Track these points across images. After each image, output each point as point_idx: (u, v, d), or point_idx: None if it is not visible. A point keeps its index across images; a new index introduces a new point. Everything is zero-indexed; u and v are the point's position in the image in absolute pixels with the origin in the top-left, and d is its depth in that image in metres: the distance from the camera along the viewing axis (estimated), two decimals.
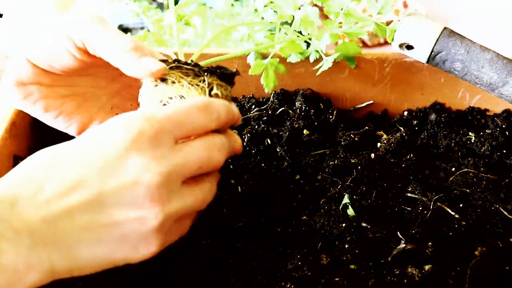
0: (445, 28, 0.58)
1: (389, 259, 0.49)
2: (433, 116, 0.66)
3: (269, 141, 0.63)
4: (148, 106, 0.44)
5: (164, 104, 0.43)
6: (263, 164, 0.62)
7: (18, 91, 0.48)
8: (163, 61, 0.44)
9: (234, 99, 0.68)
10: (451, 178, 0.57)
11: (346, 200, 0.53)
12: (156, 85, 0.43)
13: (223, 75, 0.44)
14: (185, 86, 0.43)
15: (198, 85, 0.43)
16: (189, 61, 0.45)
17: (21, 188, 0.34)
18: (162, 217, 0.36)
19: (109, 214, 0.35)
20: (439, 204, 0.52)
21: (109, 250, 0.35)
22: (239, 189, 0.58)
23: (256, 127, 0.65)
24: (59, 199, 0.34)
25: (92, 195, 0.34)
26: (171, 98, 0.43)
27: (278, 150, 0.62)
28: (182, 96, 0.42)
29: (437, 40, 0.58)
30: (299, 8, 0.63)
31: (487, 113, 0.67)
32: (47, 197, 0.34)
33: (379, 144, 0.62)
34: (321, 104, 0.67)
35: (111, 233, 0.35)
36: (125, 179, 0.35)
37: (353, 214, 0.52)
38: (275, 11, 0.90)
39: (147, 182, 0.35)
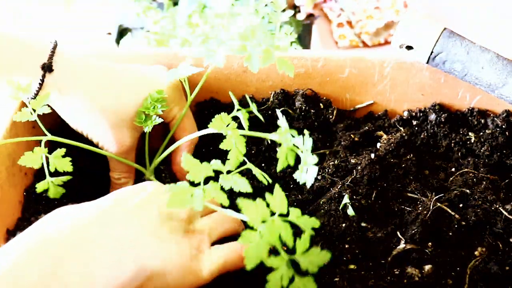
0: (445, 28, 0.58)
1: (389, 259, 0.49)
2: (433, 117, 0.66)
3: (269, 141, 0.63)
4: None
5: None
6: (263, 164, 0.62)
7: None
8: None
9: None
10: (451, 178, 0.57)
11: (346, 200, 0.53)
12: None
13: None
14: None
15: None
16: None
17: None
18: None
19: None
20: (439, 204, 0.52)
21: None
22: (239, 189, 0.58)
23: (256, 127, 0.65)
24: None
25: None
26: None
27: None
28: None
29: (437, 41, 0.58)
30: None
31: (487, 114, 0.67)
32: None
33: (379, 144, 0.62)
34: (321, 104, 0.67)
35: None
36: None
37: (353, 214, 0.52)
38: (274, 11, 0.90)
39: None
